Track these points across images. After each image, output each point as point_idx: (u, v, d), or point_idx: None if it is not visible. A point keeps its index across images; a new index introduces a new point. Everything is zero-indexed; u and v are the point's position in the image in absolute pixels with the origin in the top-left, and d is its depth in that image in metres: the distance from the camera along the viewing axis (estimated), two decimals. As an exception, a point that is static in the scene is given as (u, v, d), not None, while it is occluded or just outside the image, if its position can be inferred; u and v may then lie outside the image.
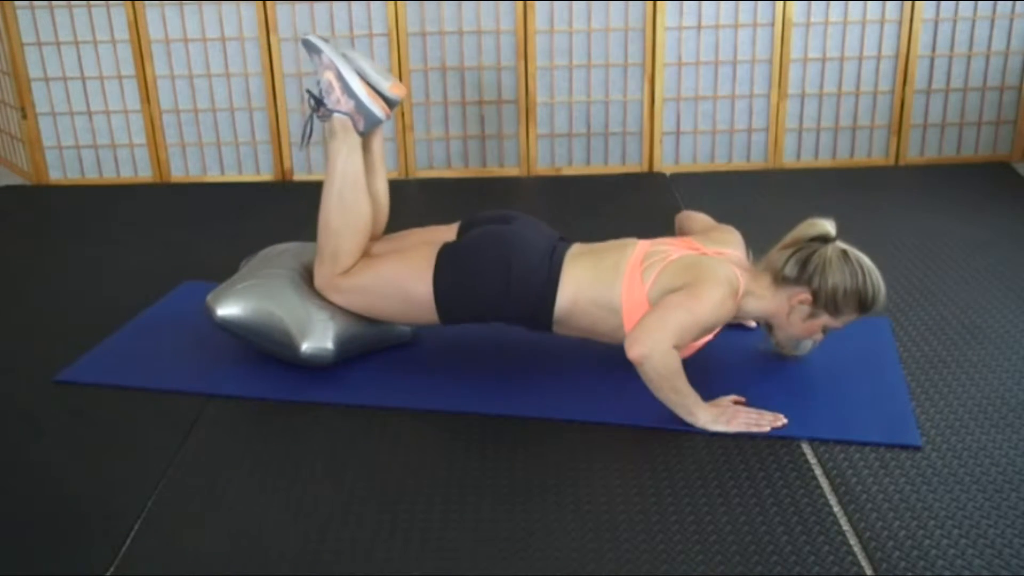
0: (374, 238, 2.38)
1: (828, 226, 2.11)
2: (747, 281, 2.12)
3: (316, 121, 2.34)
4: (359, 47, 3.77)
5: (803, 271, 2.07)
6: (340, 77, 2.25)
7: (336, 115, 2.28)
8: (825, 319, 2.10)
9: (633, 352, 1.98)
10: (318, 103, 2.30)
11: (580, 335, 2.22)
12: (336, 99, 2.26)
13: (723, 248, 2.21)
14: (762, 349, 2.33)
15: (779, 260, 2.11)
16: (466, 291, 2.18)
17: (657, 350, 1.97)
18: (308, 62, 3.77)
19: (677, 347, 2.00)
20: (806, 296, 2.07)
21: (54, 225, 3.57)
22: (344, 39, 3.76)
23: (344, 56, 2.28)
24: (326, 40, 2.29)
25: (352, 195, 2.26)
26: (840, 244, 2.10)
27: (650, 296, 2.08)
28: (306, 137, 2.34)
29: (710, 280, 2.05)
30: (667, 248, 2.17)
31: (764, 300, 2.13)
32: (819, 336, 2.17)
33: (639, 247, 2.18)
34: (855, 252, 2.09)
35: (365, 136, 2.33)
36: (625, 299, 2.10)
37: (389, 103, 2.32)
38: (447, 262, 2.19)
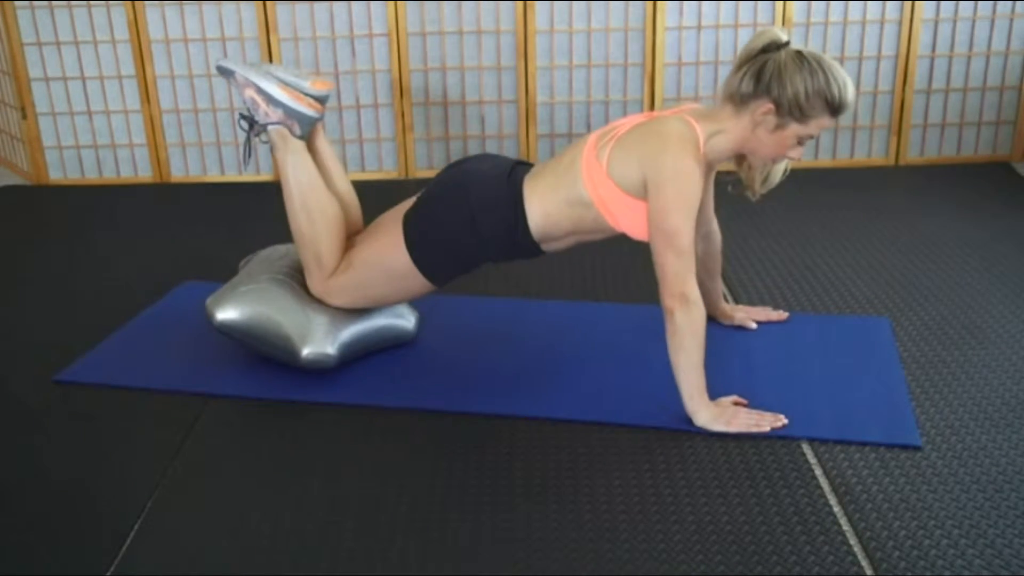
0: (354, 234, 2.38)
1: (778, 32, 2.02)
2: (705, 125, 2.05)
3: (256, 140, 2.35)
4: (359, 47, 3.78)
5: (759, 82, 1.99)
6: (260, 91, 2.25)
7: (270, 127, 2.28)
8: (794, 128, 2.01)
9: (668, 301, 1.97)
10: (250, 123, 2.31)
11: (574, 242, 2.19)
12: (264, 112, 2.27)
13: (676, 108, 2.16)
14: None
15: (735, 82, 2.03)
16: (437, 239, 2.18)
17: (691, 295, 1.97)
18: (307, 62, 3.78)
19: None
20: (768, 106, 1.99)
21: (54, 225, 3.57)
22: (344, 39, 3.76)
23: (259, 70, 2.28)
24: (236, 62, 2.30)
25: (314, 198, 2.26)
26: (794, 47, 2.01)
27: (611, 173, 2.05)
28: (245, 157, 2.37)
29: (672, 167, 1.98)
30: (616, 125, 2.14)
31: (729, 132, 2.06)
32: (795, 153, 2.07)
33: (590, 137, 2.15)
34: (812, 51, 2.00)
35: (305, 138, 2.32)
36: (589, 186, 2.07)
37: (318, 100, 2.31)
38: (412, 221, 2.20)
